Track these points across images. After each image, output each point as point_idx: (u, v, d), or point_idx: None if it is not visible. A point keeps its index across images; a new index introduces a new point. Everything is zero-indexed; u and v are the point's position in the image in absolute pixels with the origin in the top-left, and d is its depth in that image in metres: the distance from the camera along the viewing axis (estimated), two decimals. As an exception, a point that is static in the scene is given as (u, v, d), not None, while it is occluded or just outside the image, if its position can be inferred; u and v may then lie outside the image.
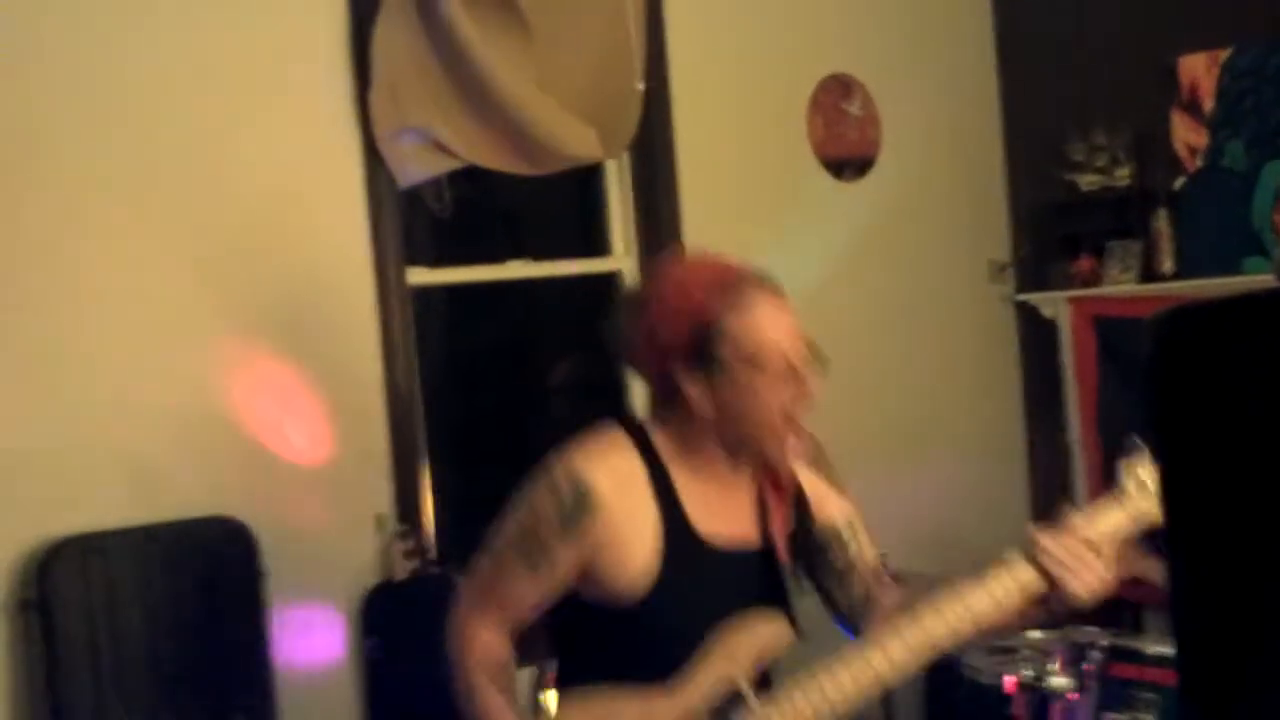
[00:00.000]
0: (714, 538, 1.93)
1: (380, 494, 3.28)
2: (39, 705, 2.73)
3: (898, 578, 2.14)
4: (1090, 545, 1.85)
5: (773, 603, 1.97)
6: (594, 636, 1.93)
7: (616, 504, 1.87)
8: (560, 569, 1.88)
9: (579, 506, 1.86)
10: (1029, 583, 1.86)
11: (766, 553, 1.98)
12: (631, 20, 3.60)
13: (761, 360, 1.87)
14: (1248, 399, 0.86)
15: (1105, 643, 3.00)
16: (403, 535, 3.22)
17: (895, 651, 1.84)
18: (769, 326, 1.88)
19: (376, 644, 3.17)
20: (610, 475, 1.89)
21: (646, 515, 1.89)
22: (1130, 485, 1.90)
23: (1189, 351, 0.90)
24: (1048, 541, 1.85)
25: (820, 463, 2.13)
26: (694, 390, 1.88)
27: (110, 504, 2.86)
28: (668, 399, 1.93)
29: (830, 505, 2.06)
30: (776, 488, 2.00)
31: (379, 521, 3.26)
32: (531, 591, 1.91)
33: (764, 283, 1.93)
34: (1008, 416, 4.65)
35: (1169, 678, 2.84)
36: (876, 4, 4.34)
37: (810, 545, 2.02)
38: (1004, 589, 1.87)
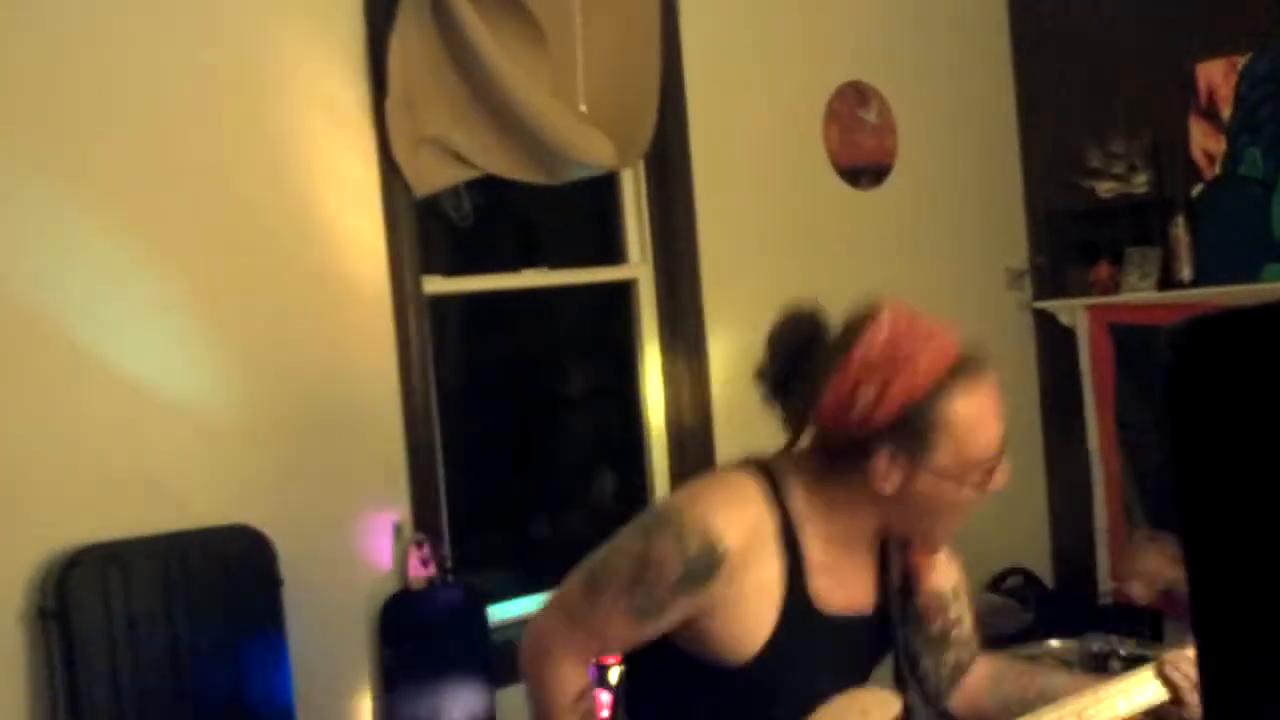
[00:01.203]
0: (830, 605, 1.80)
1: (398, 503, 3.29)
2: (58, 714, 2.74)
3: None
4: None
5: (878, 660, 1.90)
6: (684, 689, 1.82)
7: (743, 567, 1.72)
8: (667, 621, 1.75)
9: (706, 566, 1.70)
10: (1158, 695, 1.88)
11: (878, 615, 1.87)
12: (618, 36, 3.60)
13: (973, 459, 1.71)
14: (1267, 409, 0.86)
15: (1125, 652, 2.98)
16: (420, 544, 3.23)
17: None
18: (988, 420, 1.72)
19: (394, 653, 3.18)
20: (740, 532, 1.72)
21: (770, 578, 1.75)
22: None
23: (1207, 361, 0.89)
24: (1183, 662, 1.86)
25: None
26: (883, 469, 1.70)
27: (129, 513, 2.86)
28: (835, 454, 1.75)
29: (940, 570, 1.93)
30: (902, 547, 1.88)
31: (397, 530, 3.26)
32: (630, 635, 1.78)
33: (983, 363, 1.74)
34: (1026, 424, 4.63)
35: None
36: (892, 11, 4.34)
37: (911, 609, 1.90)
38: (1140, 694, 1.87)
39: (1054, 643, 3.08)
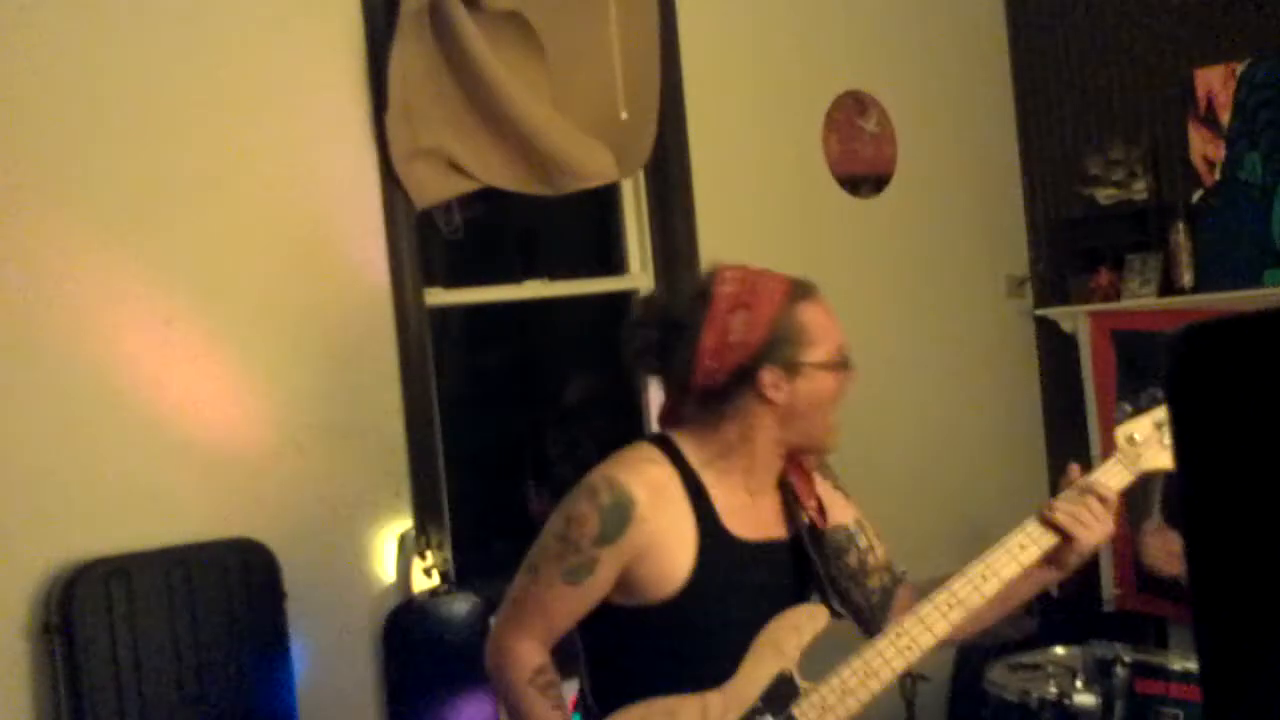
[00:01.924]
0: (745, 533, 2.00)
1: (400, 514, 3.29)
2: (62, 728, 2.74)
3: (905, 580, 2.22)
4: (1098, 499, 2.01)
5: (804, 590, 2.07)
6: (632, 642, 1.97)
7: (655, 512, 1.93)
8: (602, 579, 1.92)
9: (621, 516, 1.91)
10: (1045, 539, 2.01)
11: (793, 545, 2.07)
12: (622, 45, 3.61)
13: (833, 355, 1.99)
14: (1267, 413, 0.86)
15: (1130, 659, 2.98)
16: (423, 554, 3.23)
17: (930, 619, 1.96)
18: (833, 318, 2.02)
19: (398, 664, 3.17)
20: (648, 485, 1.94)
21: (684, 520, 1.95)
22: (1123, 443, 2.09)
23: (1207, 367, 0.89)
24: (1061, 501, 2.02)
25: (825, 469, 2.20)
26: (773, 380, 1.95)
27: (132, 527, 2.87)
28: (718, 403, 1.98)
29: (838, 508, 2.14)
30: (803, 477, 2.09)
31: (399, 541, 3.26)
32: (574, 603, 1.95)
33: (812, 284, 2.05)
34: (1028, 430, 4.63)
35: (1194, 694, 2.82)
36: (891, 20, 4.35)
37: (824, 549, 2.09)
38: (1022, 547, 2.01)
39: (1058, 650, 3.07)
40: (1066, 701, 2.92)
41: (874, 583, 2.13)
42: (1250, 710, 0.90)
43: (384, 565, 3.25)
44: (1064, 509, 2.00)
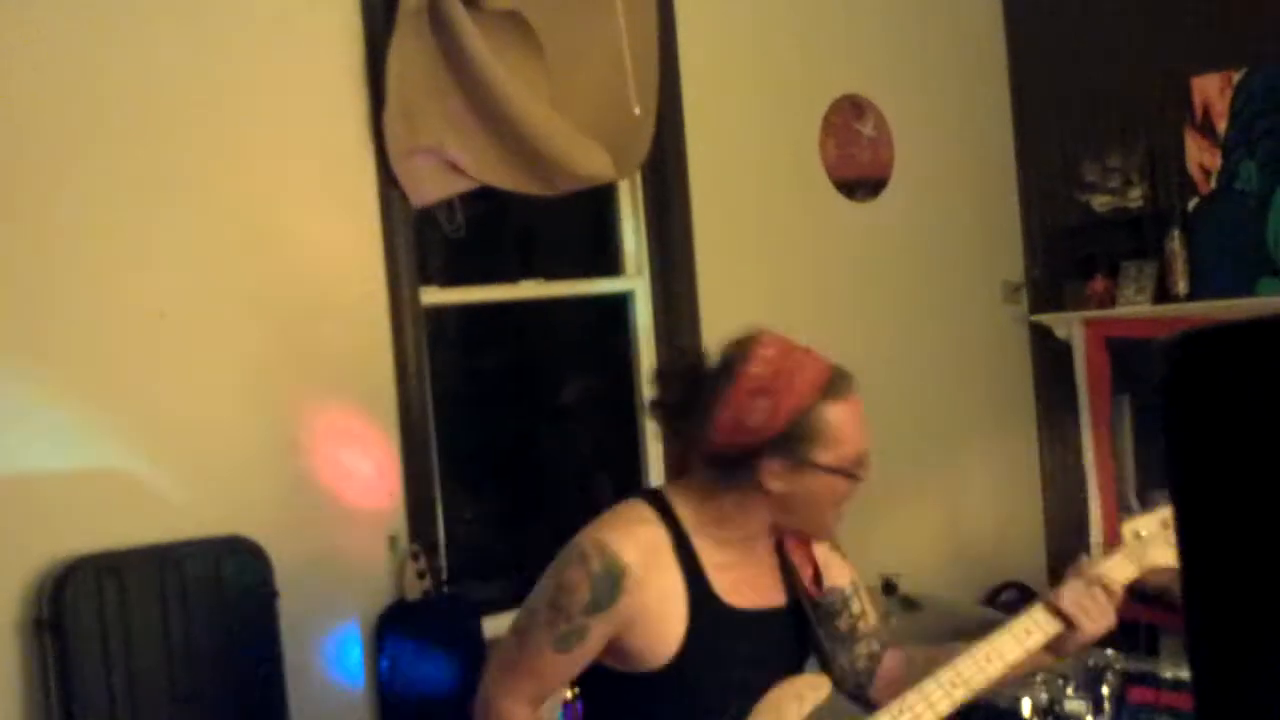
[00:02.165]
0: (738, 601, 1.96)
1: (393, 514, 3.29)
2: (52, 725, 2.73)
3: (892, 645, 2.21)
4: (1104, 591, 2.03)
5: (801, 657, 2.04)
6: (631, 707, 1.95)
7: (647, 579, 1.88)
8: (592, 645, 1.89)
9: (611, 585, 1.87)
10: (1050, 626, 2.01)
11: (792, 611, 2.03)
12: (629, 45, 3.61)
13: (845, 461, 1.92)
14: (1260, 421, 0.86)
15: (1121, 667, 2.98)
16: (416, 555, 3.22)
17: (934, 696, 1.93)
18: (859, 424, 1.94)
19: (390, 664, 3.17)
20: (639, 549, 1.90)
21: (675, 587, 1.91)
22: (1130, 537, 2.13)
23: (1202, 375, 0.90)
24: (1068, 590, 2.03)
25: None
26: (771, 472, 1.89)
27: (124, 523, 2.86)
28: (722, 470, 1.93)
29: (835, 569, 2.11)
30: (799, 544, 2.06)
31: (392, 541, 3.26)
32: (565, 668, 1.92)
33: (851, 376, 1.96)
34: (1021, 437, 4.64)
35: (1186, 702, 2.82)
36: (889, 24, 4.35)
37: (818, 610, 2.07)
38: (1028, 632, 2.00)
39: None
40: (1057, 708, 2.92)
41: (862, 649, 2.11)
42: (1242, 718, 0.90)
43: (376, 565, 3.24)
44: (1071, 599, 2.01)
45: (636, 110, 3.52)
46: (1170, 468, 0.91)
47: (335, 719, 3.15)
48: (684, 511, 1.96)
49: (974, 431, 4.48)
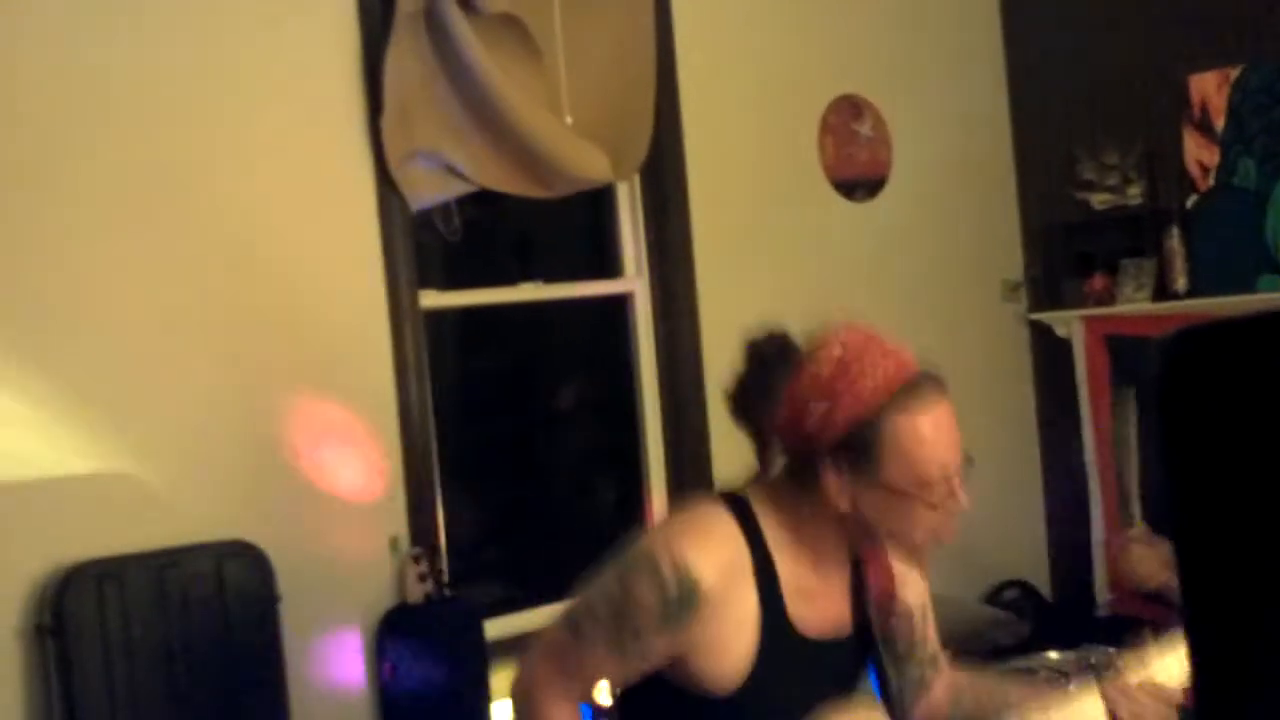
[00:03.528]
0: (809, 629, 1.82)
1: (394, 517, 3.29)
2: (54, 730, 2.73)
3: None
4: (1155, 692, 1.95)
5: (859, 679, 1.93)
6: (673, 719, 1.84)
7: (722, 604, 1.74)
8: (651, 657, 1.76)
9: (684, 602, 1.71)
10: (1098, 715, 1.94)
11: (859, 635, 1.90)
12: (627, 44, 3.61)
13: (921, 477, 1.71)
14: (1258, 418, 0.86)
15: (1122, 664, 2.98)
16: (417, 558, 3.22)
17: None
18: (937, 440, 1.72)
19: (392, 667, 3.17)
20: (718, 571, 1.73)
21: (748, 609, 1.77)
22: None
23: (1200, 371, 0.90)
24: (1126, 692, 1.94)
25: None
26: (834, 485, 1.72)
27: (126, 529, 2.86)
28: (795, 473, 1.78)
29: (908, 586, 1.98)
30: (876, 558, 1.91)
31: (393, 544, 3.26)
32: (615, 674, 1.81)
33: (938, 384, 1.76)
34: (1022, 435, 4.63)
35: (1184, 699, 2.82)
36: (886, 25, 4.35)
37: (886, 628, 1.95)
38: (1079, 714, 1.93)
39: (1052, 654, 3.07)
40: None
41: (913, 673, 1.98)
42: (1242, 715, 0.90)
43: (377, 569, 3.24)
44: (1125, 700, 1.93)
45: (568, 119, 3.47)
46: (1167, 464, 0.91)
47: (338, 723, 3.16)
48: (767, 523, 1.80)
49: (973, 429, 4.47)
